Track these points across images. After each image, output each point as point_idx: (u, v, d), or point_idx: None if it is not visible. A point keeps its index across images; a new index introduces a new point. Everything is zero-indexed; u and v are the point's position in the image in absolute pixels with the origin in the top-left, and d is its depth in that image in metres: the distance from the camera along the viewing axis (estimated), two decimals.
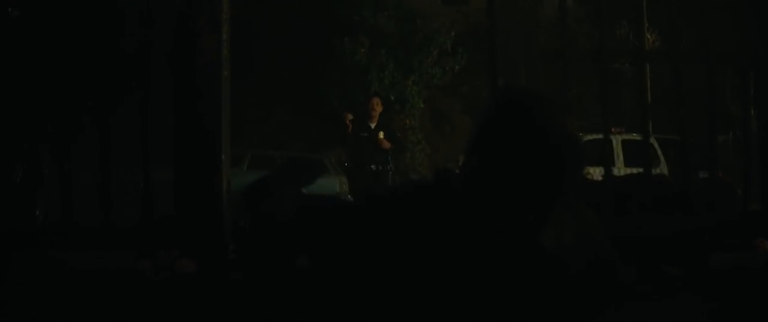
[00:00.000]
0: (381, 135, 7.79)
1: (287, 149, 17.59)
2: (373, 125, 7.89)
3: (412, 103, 19.08)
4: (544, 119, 1.29)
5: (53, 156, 3.20)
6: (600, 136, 3.38)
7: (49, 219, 3.76)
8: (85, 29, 2.94)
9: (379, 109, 7.93)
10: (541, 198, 1.23)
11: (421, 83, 19.31)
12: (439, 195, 1.38)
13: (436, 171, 1.65)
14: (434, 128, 21.91)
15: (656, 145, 14.81)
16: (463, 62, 19.29)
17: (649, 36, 18.73)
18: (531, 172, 1.24)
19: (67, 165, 3.07)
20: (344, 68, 18.56)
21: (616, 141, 13.81)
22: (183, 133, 2.76)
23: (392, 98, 18.10)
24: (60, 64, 3.05)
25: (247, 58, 20.97)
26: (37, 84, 3.21)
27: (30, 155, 3.41)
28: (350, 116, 8.00)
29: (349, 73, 18.43)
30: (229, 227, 2.91)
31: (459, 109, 22.99)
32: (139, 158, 2.99)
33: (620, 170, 12.67)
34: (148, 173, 3.06)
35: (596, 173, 8.01)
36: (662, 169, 13.87)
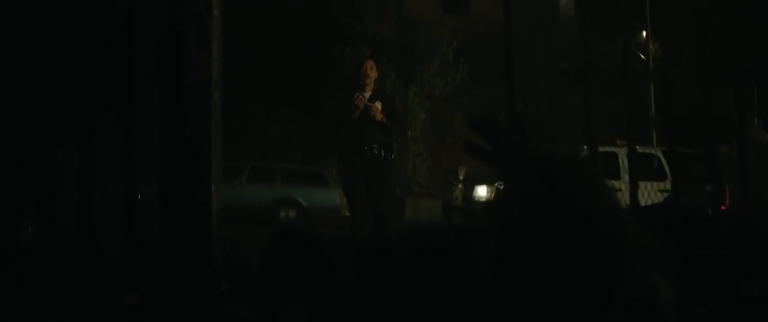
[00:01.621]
0: (378, 105, 5.86)
1: (287, 161, 17.37)
2: (367, 95, 5.94)
3: (413, 113, 18.85)
4: (586, 200, 1.02)
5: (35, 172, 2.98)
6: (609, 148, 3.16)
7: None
8: (61, 42, 2.72)
9: (374, 74, 6.04)
10: (595, 300, 0.96)
11: (423, 94, 19.11)
12: (457, 267, 1.11)
13: (445, 208, 1.35)
14: (436, 139, 21.68)
15: (662, 158, 14.59)
16: (464, 72, 19.10)
17: (651, 45, 18.54)
18: (578, 273, 0.97)
19: (51, 180, 2.84)
20: (345, 78, 18.35)
21: (622, 154, 13.58)
22: (168, 163, 2.53)
23: None
24: (34, 79, 2.83)
25: (247, 67, 20.84)
26: (17, 98, 2.99)
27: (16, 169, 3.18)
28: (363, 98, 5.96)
29: (350, 83, 18.24)
30: (220, 260, 2.68)
31: (460, 119, 22.76)
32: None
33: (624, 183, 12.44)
34: (132, 196, 2.82)
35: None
36: (668, 183, 13.63)
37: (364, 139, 5.78)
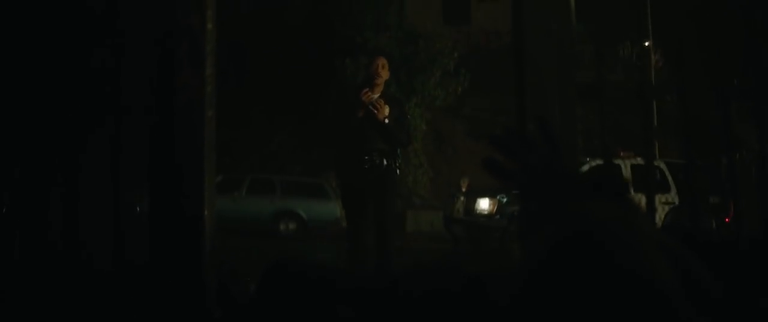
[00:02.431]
0: (385, 108, 5.09)
1: (287, 173, 17.23)
2: (375, 95, 5.24)
3: (414, 125, 18.71)
4: (627, 253, 0.87)
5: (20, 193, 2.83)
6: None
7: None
8: (48, 56, 2.58)
9: (385, 74, 5.28)
10: None
11: (423, 105, 18.98)
12: (470, 314, 0.95)
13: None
14: (436, 150, 21.55)
15: (666, 170, 14.46)
16: (465, 83, 18.98)
17: (654, 56, 18.41)
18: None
19: (39, 199, 2.70)
20: (346, 89, 18.23)
21: (625, 166, 13.43)
22: (158, 186, 2.38)
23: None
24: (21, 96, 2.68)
25: (247, 78, 20.72)
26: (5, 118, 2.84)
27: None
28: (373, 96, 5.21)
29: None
30: (213, 287, 2.53)
31: (461, 131, 22.64)
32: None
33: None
34: (119, 216, 2.66)
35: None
36: (672, 196, 13.49)
37: (366, 147, 5.07)
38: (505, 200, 11.74)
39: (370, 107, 5.02)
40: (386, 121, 5.00)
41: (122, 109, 2.53)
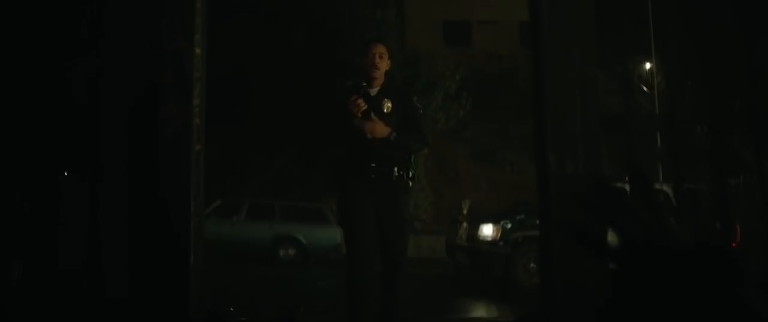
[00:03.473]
0: (388, 104, 4.12)
1: (287, 198, 16.96)
2: (374, 91, 4.18)
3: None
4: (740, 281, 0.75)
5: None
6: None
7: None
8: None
9: (384, 65, 4.20)
10: None
11: (425, 128, 18.77)
12: None
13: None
14: (438, 174, 21.31)
15: (670, 194, 14.24)
16: (467, 106, 18.81)
17: (656, 78, 18.27)
18: None
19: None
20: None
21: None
22: (141, 228, 2.13)
23: None
24: None
25: (247, 102, 20.53)
26: None
27: None
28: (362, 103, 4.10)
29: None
30: None
31: (463, 153, 22.42)
32: None
33: None
34: (100, 255, 2.41)
35: None
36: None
37: (370, 154, 4.03)
38: (508, 225, 11.47)
39: (362, 126, 4.00)
40: (391, 136, 4.01)
41: (102, 145, 2.30)
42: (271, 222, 15.14)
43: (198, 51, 2.22)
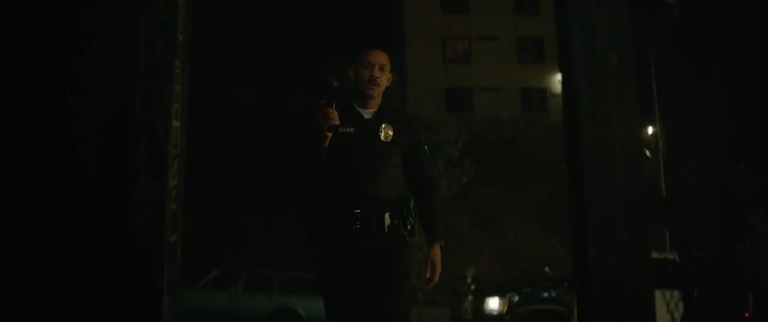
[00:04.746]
0: (388, 131, 3.10)
1: (285, 268, 16.50)
2: (367, 113, 3.16)
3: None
4: None
5: None
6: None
7: None
8: None
9: (385, 80, 3.17)
10: None
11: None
12: None
13: None
14: None
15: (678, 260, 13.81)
16: (470, 173, 18.54)
17: (660, 141, 18.02)
18: None
19: None
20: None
21: None
22: None
23: None
24: None
25: (245, 167, 20.31)
26: None
27: None
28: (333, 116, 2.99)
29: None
30: None
31: (466, 221, 22.03)
32: None
33: None
34: None
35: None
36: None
37: (353, 194, 2.97)
38: (516, 298, 11.05)
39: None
40: (442, 245, 3.05)
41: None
42: (269, 294, 14.68)
43: (176, 123, 1.88)
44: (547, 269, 13.13)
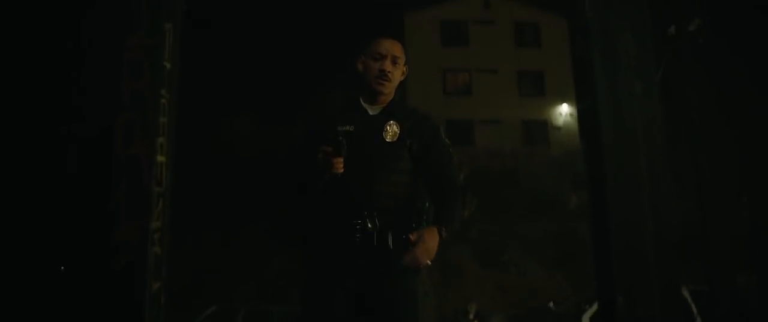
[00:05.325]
0: (394, 128, 2.67)
1: (285, 303, 16.23)
2: (374, 109, 2.76)
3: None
4: None
5: None
6: None
7: None
8: None
9: (398, 75, 2.75)
10: None
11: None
12: None
13: None
14: (442, 276, 20.60)
15: (689, 298, 13.60)
16: (472, 206, 18.33)
17: None
18: None
19: None
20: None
21: None
22: None
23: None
24: None
25: (245, 197, 20.08)
26: None
27: None
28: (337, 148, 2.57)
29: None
30: None
31: (468, 255, 21.76)
32: None
33: None
34: None
35: None
36: None
37: (352, 201, 2.54)
38: None
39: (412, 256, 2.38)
40: (443, 235, 2.48)
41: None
42: None
43: (161, 158, 1.71)
44: (551, 304, 12.89)
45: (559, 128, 29.41)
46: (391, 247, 2.44)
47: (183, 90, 1.86)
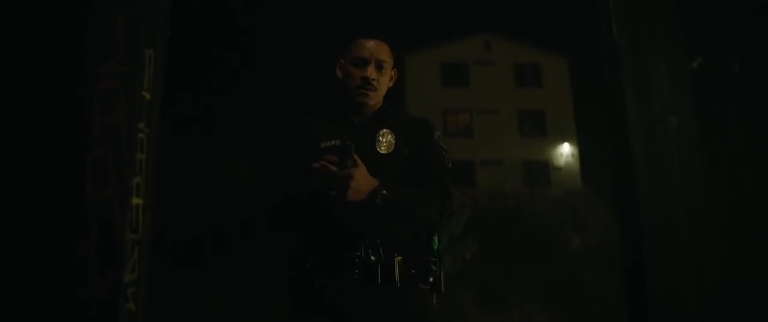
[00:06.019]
0: (389, 137, 2.21)
1: None
2: (360, 119, 2.30)
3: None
4: None
5: None
6: None
7: None
8: None
9: (385, 82, 2.31)
10: None
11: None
12: None
13: None
14: (443, 321, 20.20)
15: None
16: (474, 249, 18.06)
17: None
18: None
19: None
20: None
21: None
22: None
23: None
24: None
25: (246, 251, 19.76)
26: None
27: None
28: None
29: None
30: None
31: (469, 298, 21.38)
32: None
33: None
34: None
35: None
36: None
37: (347, 230, 2.09)
38: None
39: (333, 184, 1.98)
40: (379, 196, 2.01)
41: None
42: None
43: (138, 201, 1.49)
44: None
45: (560, 169, 29.28)
46: (398, 283, 2.00)
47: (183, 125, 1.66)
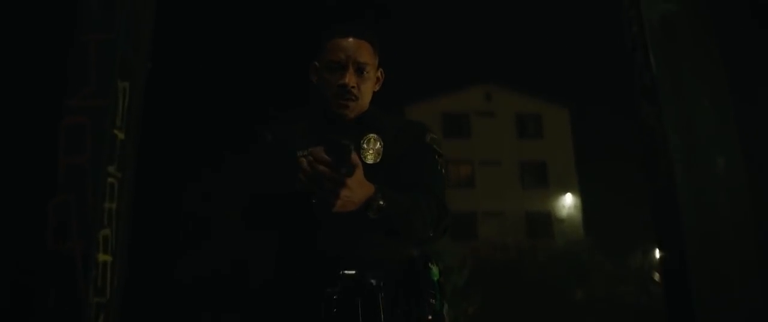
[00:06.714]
0: (376, 145, 1.84)
1: None
2: (343, 125, 1.91)
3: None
4: None
5: None
6: None
7: None
8: None
9: (369, 87, 1.90)
10: None
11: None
12: None
13: None
14: None
15: None
16: (477, 303, 17.73)
17: None
18: None
19: None
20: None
21: None
22: None
23: None
24: None
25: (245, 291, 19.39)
26: None
27: None
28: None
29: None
30: None
31: None
32: None
33: None
34: None
35: None
36: None
37: (336, 247, 1.73)
38: None
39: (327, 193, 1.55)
40: (374, 204, 1.60)
41: None
42: None
43: (105, 257, 1.26)
44: None
45: (562, 220, 29.05)
46: (394, 310, 1.66)
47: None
